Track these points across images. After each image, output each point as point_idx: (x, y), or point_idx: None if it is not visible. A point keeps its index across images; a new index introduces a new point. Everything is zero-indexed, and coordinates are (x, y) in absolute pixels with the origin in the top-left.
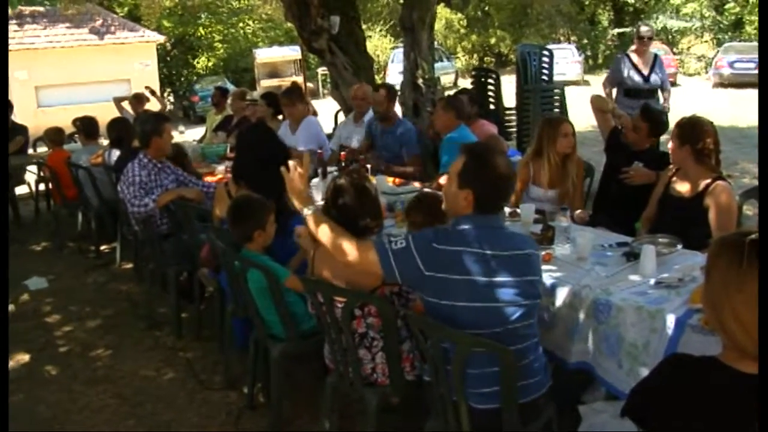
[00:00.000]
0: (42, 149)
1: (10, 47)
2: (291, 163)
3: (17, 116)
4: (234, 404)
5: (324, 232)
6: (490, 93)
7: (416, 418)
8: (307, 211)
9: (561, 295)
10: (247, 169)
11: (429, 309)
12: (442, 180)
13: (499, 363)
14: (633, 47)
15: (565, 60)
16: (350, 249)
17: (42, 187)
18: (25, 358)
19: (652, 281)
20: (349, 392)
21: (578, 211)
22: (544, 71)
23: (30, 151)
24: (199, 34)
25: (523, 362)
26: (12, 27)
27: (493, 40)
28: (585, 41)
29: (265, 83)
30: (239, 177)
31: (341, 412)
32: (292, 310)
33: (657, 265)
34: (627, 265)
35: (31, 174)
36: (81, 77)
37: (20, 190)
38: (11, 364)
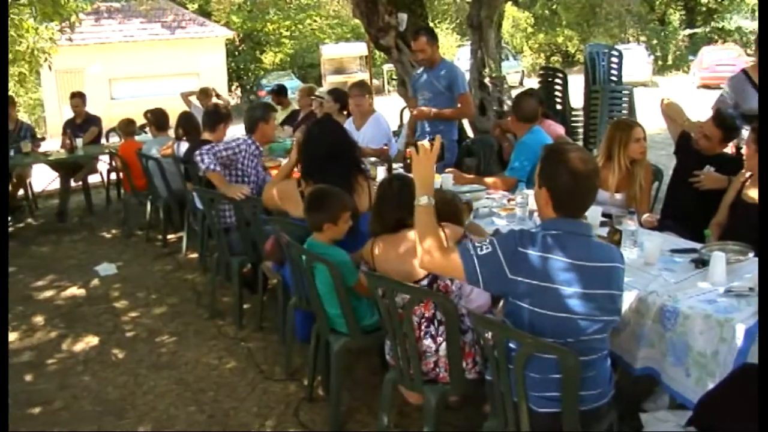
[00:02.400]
0: (114, 140)
1: (87, 42)
2: (421, 143)
3: (91, 107)
4: (293, 396)
5: (422, 226)
6: (557, 93)
7: (475, 416)
8: (422, 200)
9: (627, 300)
10: (315, 164)
11: (508, 310)
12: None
13: (561, 368)
14: (752, 60)
15: (634, 61)
16: (435, 251)
17: (113, 176)
18: (94, 341)
19: (722, 289)
20: (409, 389)
21: (646, 216)
22: (613, 72)
23: (102, 141)
24: (267, 29)
25: (589, 374)
26: (89, 22)
27: (560, 39)
28: (654, 42)
29: (331, 79)
30: (306, 172)
31: (399, 409)
32: (355, 305)
33: (727, 273)
34: (696, 272)
35: (102, 163)
36: (152, 71)
37: (93, 178)
38: (82, 346)
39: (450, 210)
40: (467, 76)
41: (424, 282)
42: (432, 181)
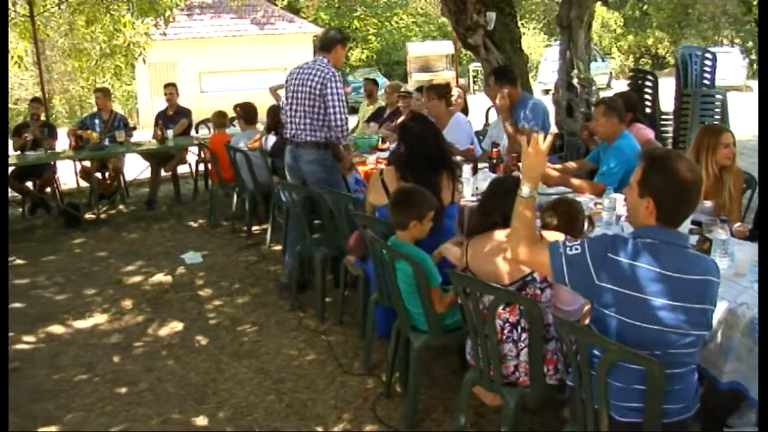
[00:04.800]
0: (203, 132)
1: (179, 36)
2: (534, 135)
3: (181, 100)
4: (371, 391)
5: (518, 217)
6: (647, 96)
7: (552, 420)
8: (524, 191)
9: (716, 312)
10: (413, 162)
11: (594, 316)
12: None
13: (646, 379)
14: None
15: (728, 64)
16: (525, 244)
17: (201, 167)
18: (179, 326)
19: None
20: (488, 390)
21: (737, 225)
22: (706, 75)
23: (192, 133)
24: (354, 26)
25: (675, 387)
26: (182, 17)
27: (650, 41)
28: (750, 44)
29: (417, 77)
30: (405, 169)
31: (476, 409)
32: None
33: None
34: None
35: (192, 155)
36: (241, 65)
37: (182, 169)
38: (167, 331)
39: (569, 218)
40: (555, 76)
41: (512, 288)
42: (538, 174)
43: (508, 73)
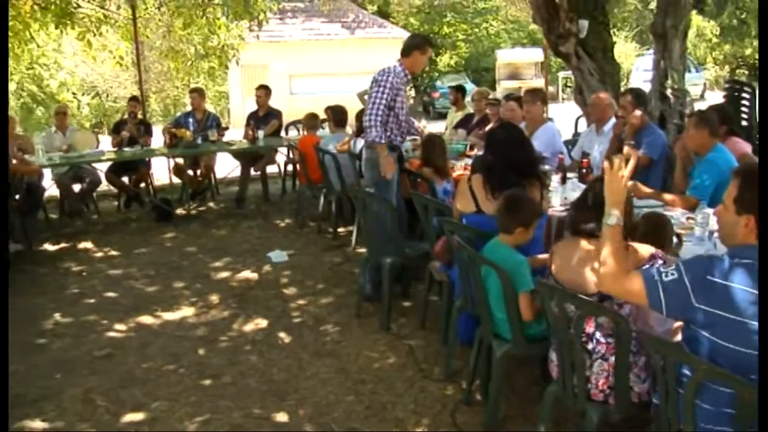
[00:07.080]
0: (293, 133)
1: (271, 39)
2: (617, 159)
3: (272, 101)
4: (450, 397)
5: (607, 246)
6: (744, 108)
7: None
8: (610, 219)
9: None
10: (499, 169)
11: (687, 336)
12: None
13: (737, 403)
14: None
15: None
16: (613, 277)
17: (290, 167)
18: (263, 323)
19: None
20: (570, 404)
21: None
22: None
23: (282, 134)
24: (443, 32)
25: None
26: (274, 21)
27: (748, 51)
28: None
29: (505, 84)
30: (491, 176)
31: (556, 420)
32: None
33: None
34: None
35: (281, 155)
36: (330, 69)
37: (270, 169)
38: (251, 327)
39: (656, 234)
40: (647, 86)
41: (594, 299)
42: (622, 199)
43: (643, 96)
